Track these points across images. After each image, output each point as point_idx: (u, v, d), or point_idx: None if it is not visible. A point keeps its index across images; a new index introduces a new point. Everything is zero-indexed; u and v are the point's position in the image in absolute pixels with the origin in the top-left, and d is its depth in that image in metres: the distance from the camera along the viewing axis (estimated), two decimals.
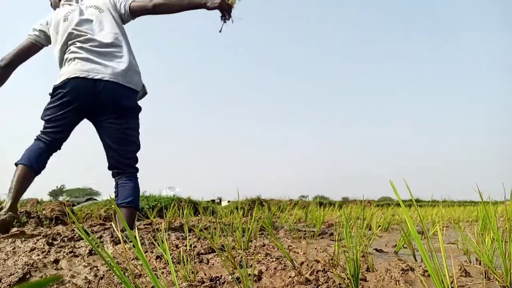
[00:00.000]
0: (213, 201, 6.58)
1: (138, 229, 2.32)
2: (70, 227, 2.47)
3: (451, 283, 0.91)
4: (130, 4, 2.11)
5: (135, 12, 2.13)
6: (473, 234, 1.52)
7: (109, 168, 2.12)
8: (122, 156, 2.05)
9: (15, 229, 2.23)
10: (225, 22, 2.25)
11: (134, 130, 2.11)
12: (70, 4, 2.17)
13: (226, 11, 2.19)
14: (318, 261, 1.21)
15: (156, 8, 2.09)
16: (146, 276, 1.12)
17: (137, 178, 2.12)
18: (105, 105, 1.99)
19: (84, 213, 3.51)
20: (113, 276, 1.09)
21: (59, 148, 2.14)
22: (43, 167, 2.07)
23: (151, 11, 2.11)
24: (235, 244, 1.63)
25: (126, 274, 1.13)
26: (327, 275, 1.06)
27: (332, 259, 1.26)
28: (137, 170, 2.13)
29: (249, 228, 1.70)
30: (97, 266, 1.23)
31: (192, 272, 1.09)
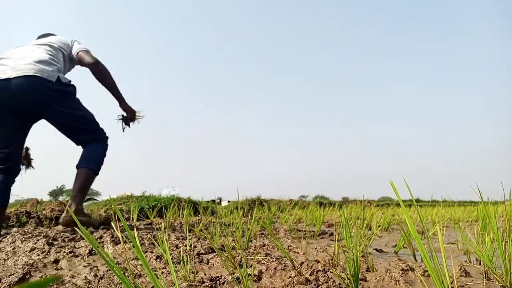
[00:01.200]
0: (213, 201, 6.57)
1: (138, 229, 2.32)
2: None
3: (451, 283, 0.91)
4: (78, 52, 2.32)
5: (79, 61, 2.33)
6: (473, 234, 1.52)
7: (77, 144, 2.25)
8: (82, 140, 2.22)
9: (15, 229, 2.23)
10: (124, 127, 2.60)
11: (79, 115, 2.17)
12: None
13: (129, 119, 2.54)
14: (318, 261, 1.21)
15: (90, 68, 2.30)
16: (146, 276, 1.12)
17: (101, 142, 2.25)
18: (30, 104, 1.98)
19: None
20: (113, 276, 1.09)
21: (14, 167, 2.04)
22: (8, 199, 2.04)
23: (86, 66, 2.31)
24: (235, 244, 1.63)
25: (126, 274, 1.13)
26: (327, 275, 1.06)
27: (332, 259, 1.26)
28: (102, 137, 2.26)
29: (249, 228, 1.70)
30: (97, 266, 1.24)
31: (192, 272, 1.09)
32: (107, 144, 2.29)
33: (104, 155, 2.26)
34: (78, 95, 2.25)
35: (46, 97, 2.01)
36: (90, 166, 2.15)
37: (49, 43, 2.23)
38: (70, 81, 2.20)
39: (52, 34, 2.47)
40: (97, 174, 2.20)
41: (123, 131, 2.61)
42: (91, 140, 2.23)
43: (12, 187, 2.09)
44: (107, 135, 2.32)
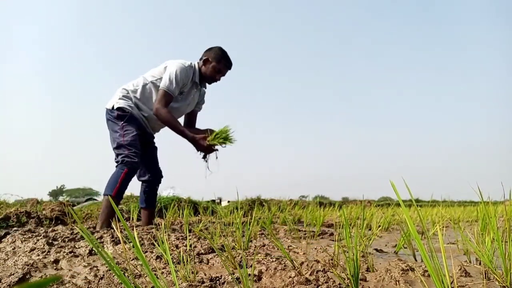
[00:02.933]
0: (213, 201, 6.56)
1: (137, 229, 2.32)
2: (70, 227, 2.47)
3: (451, 283, 0.91)
4: (160, 89, 2.44)
5: None
6: (473, 234, 1.52)
7: None
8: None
9: (15, 229, 2.23)
10: (206, 161, 2.55)
11: (111, 138, 2.46)
12: None
13: (208, 153, 2.54)
14: (318, 261, 1.21)
15: (155, 112, 2.43)
16: (146, 276, 1.12)
17: (119, 167, 2.37)
18: None
19: (84, 213, 3.51)
20: (113, 276, 1.09)
21: (139, 173, 2.70)
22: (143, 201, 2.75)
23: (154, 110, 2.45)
24: (235, 244, 1.63)
25: (126, 274, 1.13)
26: (327, 275, 1.06)
27: (332, 259, 1.26)
28: (120, 161, 2.38)
29: (249, 228, 1.70)
30: (97, 266, 1.23)
31: (192, 272, 1.09)
32: (122, 169, 2.33)
33: (119, 178, 2.30)
34: None
35: (106, 122, 2.49)
36: (104, 192, 2.34)
37: (149, 72, 2.54)
38: (124, 108, 2.43)
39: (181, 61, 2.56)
40: (113, 196, 2.28)
41: (208, 169, 2.54)
42: (116, 162, 2.39)
43: (146, 191, 2.71)
44: (126, 159, 2.35)
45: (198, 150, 2.52)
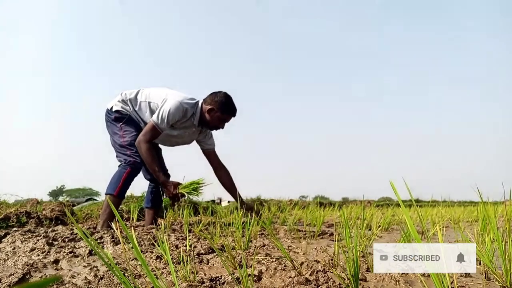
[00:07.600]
0: (213, 201, 6.55)
1: (138, 229, 2.32)
2: (70, 227, 2.47)
3: (451, 283, 0.91)
4: (150, 121, 2.43)
5: None
6: (473, 234, 1.52)
7: None
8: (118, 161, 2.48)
9: (15, 229, 2.23)
10: (173, 204, 2.67)
11: (112, 139, 2.51)
12: None
13: (174, 201, 2.60)
14: (318, 261, 1.21)
15: (137, 143, 2.40)
16: (146, 277, 1.12)
17: (122, 167, 2.40)
18: None
19: (84, 213, 3.51)
20: (113, 276, 1.09)
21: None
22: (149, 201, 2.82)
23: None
24: (235, 244, 1.63)
25: (126, 274, 1.13)
26: (327, 275, 1.06)
27: (332, 259, 1.26)
28: (123, 161, 2.40)
29: (249, 228, 1.70)
30: (97, 267, 1.23)
31: (192, 273, 1.09)
32: (125, 169, 2.36)
33: (121, 178, 2.33)
34: None
35: (106, 124, 2.56)
36: (106, 191, 2.36)
37: (150, 91, 2.55)
38: (121, 110, 2.49)
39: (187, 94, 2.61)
40: (115, 196, 2.31)
41: (174, 206, 2.62)
42: (119, 162, 2.43)
43: (153, 191, 2.76)
44: (129, 159, 2.38)
45: (165, 195, 2.60)
